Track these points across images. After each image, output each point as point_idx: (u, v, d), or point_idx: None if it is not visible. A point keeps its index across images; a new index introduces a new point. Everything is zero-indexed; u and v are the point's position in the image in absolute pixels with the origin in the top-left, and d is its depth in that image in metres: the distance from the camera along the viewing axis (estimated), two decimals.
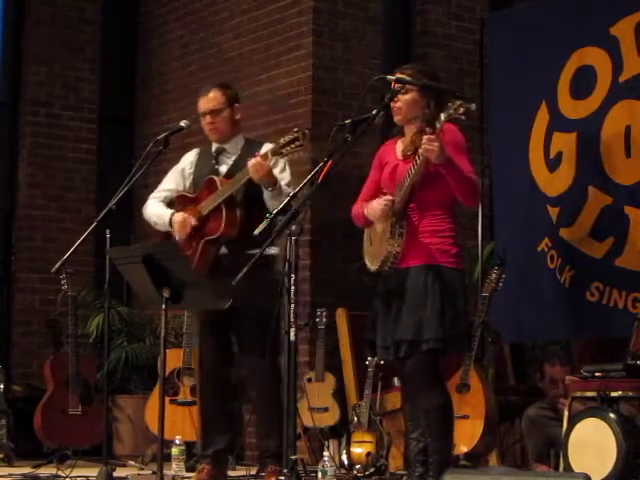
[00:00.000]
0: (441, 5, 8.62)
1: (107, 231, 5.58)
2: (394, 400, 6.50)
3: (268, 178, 5.27)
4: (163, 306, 4.97)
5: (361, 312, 6.58)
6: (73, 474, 5.97)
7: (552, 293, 6.20)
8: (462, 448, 6.03)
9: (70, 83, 9.02)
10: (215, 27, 8.70)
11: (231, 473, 6.12)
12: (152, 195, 5.74)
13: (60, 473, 6.10)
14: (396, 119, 4.96)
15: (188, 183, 5.71)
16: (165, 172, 5.88)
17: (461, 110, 4.52)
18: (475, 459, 6.15)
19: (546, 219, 6.27)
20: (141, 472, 6.70)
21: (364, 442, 6.43)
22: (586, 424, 5.15)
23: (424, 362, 4.78)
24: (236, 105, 5.64)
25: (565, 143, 6.20)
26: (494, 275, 6.21)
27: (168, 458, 5.79)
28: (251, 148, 5.54)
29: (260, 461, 5.64)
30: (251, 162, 5.24)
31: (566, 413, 5.49)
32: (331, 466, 4.93)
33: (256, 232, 4.68)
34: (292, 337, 4.45)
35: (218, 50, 8.65)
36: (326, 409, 7.14)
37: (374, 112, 4.80)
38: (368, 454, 6.37)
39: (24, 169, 8.91)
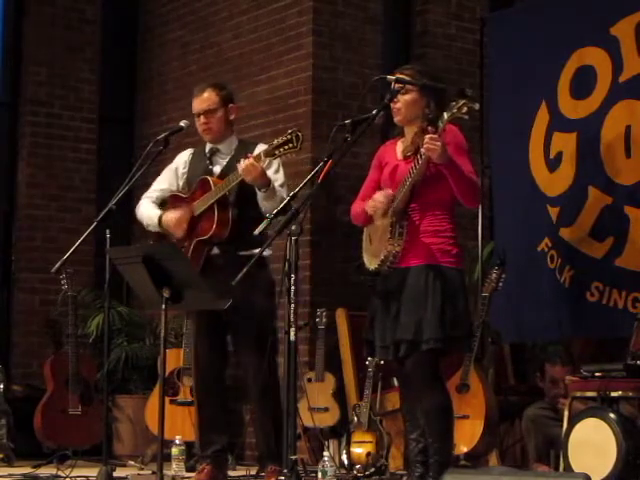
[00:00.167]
0: (441, 5, 8.61)
1: (107, 231, 5.59)
2: (394, 400, 6.49)
3: (261, 179, 5.26)
4: (163, 306, 4.97)
5: (361, 312, 6.56)
6: (73, 474, 5.98)
7: (552, 293, 6.20)
8: (462, 448, 6.03)
9: (70, 83, 9.01)
10: (215, 27, 8.70)
11: (231, 473, 6.12)
12: (145, 195, 5.73)
13: (60, 473, 6.10)
14: (396, 119, 4.96)
15: (181, 183, 5.71)
16: None
17: (464, 109, 4.51)
18: (475, 459, 6.15)
19: (546, 219, 6.27)
20: (141, 472, 6.70)
21: (364, 442, 6.43)
22: (586, 424, 5.15)
23: (424, 362, 4.78)
24: (230, 105, 5.63)
25: (565, 143, 6.20)
26: (494, 275, 6.20)
27: (168, 458, 5.79)
28: (245, 149, 5.53)
29: (260, 461, 5.65)
30: (243, 164, 5.22)
31: (566, 413, 5.50)
32: (331, 466, 4.92)
33: (256, 232, 4.70)
34: (292, 337, 4.45)
35: (218, 50, 8.65)
36: (326, 409, 7.14)
37: (374, 112, 4.80)
38: (368, 454, 6.37)
39: (24, 169, 8.90)
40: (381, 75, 5.14)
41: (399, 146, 4.99)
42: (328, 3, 7.97)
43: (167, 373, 7.06)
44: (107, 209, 5.37)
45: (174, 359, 7.28)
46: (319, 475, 4.87)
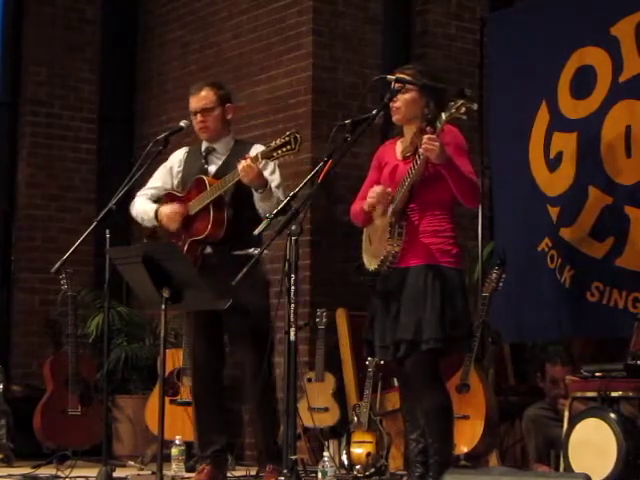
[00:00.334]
0: (441, 5, 8.61)
1: (107, 231, 5.58)
2: (394, 400, 6.49)
3: (258, 180, 5.25)
4: (163, 306, 4.97)
5: (361, 312, 6.56)
6: (73, 474, 5.97)
7: (552, 293, 6.20)
8: (462, 448, 6.02)
9: (70, 83, 9.01)
10: (215, 27, 8.70)
11: (231, 473, 6.12)
12: (139, 193, 5.72)
13: (60, 473, 6.10)
14: (395, 119, 4.96)
15: (176, 181, 5.70)
16: None
17: (463, 109, 4.51)
18: (475, 459, 6.15)
19: (546, 219, 6.26)
20: (141, 472, 6.69)
21: (364, 442, 6.43)
22: (586, 424, 5.14)
23: (424, 362, 4.78)
24: (228, 105, 5.62)
25: (565, 143, 6.20)
26: (494, 275, 6.20)
27: (168, 458, 5.79)
28: (241, 149, 5.52)
29: (258, 460, 5.65)
30: (241, 165, 5.21)
31: (566, 413, 5.49)
32: (331, 466, 4.93)
33: (256, 232, 4.70)
34: (292, 337, 4.44)
35: (218, 50, 8.65)
36: (326, 409, 7.14)
37: (374, 112, 4.80)
38: (368, 454, 6.37)
39: (24, 169, 8.90)
40: (381, 75, 5.13)
41: (398, 146, 4.99)
42: (328, 3, 7.96)
43: (167, 373, 7.06)
44: (107, 209, 5.37)
45: (174, 359, 7.28)
46: (319, 475, 4.87)
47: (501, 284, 6.19)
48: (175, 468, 5.84)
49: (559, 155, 6.23)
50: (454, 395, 5.87)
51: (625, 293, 5.82)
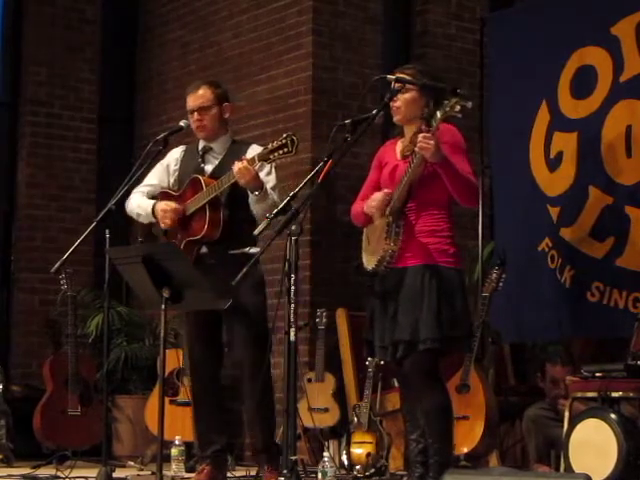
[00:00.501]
0: (441, 5, 8.61)
1: (107, 231, 5.58)
2: (394, 400, 6.49)
3: (254, 182, 5.23)
4: (163, 306, 4.96)
5: (361, 312, 6.56)
6: (72, 475, 5.97)
7: (552, 293, 6.19)
8: (462, 449, 6.02)
9: (70, 83, 9.01)
10: (215, 27, 8.69)
11: (232, 473, 6.12)
12: (135, 190, 5.69)
13: (59, 474, 6.10)
14: (395, 119, 4.95)
15: (172, 180, 5.68)
16: None
17: (457, 108, 4.50)
18: (475, 460, 6.15)
19: (546, 219, 6.26)
20: (141, 473, 6.69)
21: (364, 443, 6.43)
22: (587, 424, 5.14)
23: (422, 362, 4.77)
24: (225, 104, 5.61)
25: (566, 143, 6.19)
26: (494, 275, 6.20)
27: (168, 459, 5.79)
28: (238, 149, 5.51)
29: (256, 460, 5.65)
30: (237, 166, 5.20)
31: (567, 413, 5.49)
32: (331, 467, 4.93)
33: (256, 232, 4.69)
34: (292, 337, 4.44)
35: (218, 50, 8.65)
36: (326, 409, 7.13)
37: (374, 112, 4.79)
38: (368, 455, 6.37)
39: (24, 169, 8.90)
40: (381, 75, 5.13)
41: (399, 146, 4.99)
42: (328, 3, 7.96)
43: (167, 373, 7.06)
44: (107, 209, 5.36)
45: (174, 359, 7.27)
46: (319, 476, 4.87)
47: (501, 284, 6.19)
48: (175, 468, 5.84)
49: (559, 155, 6.23)
50: (454, 395, 5.86)
51: (625, 293, 5.82)
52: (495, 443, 6.35)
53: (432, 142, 4.57)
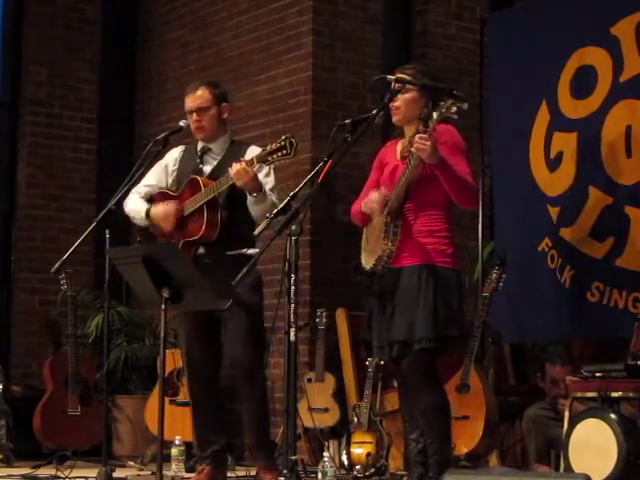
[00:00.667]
0: (441, 5, 8.61)
1: (107, 231, 5.58)
2: (394, 400, 6.48)
3: (252, 184, 5.23)
4: (163, 306, 4.96)
5: (361, 312, 6.56)
6: (72, 475, 5.97)
7: (552, 293, 6.19)
8: (462, 449, 6.02)
9: (70, 83, 9.01)
10: (214, 27, 8.70)
11: (234, 473, 6.12)
12: (133, 190, 5.68)
13: (59, 474, 6.09)
14: (395, 119, 4.95)
15: (171, 180, 5.68)
16: None
17: (453, 109, 4.51)
18: (475, 460, 6.14)
19: (546, 219, 6.26)
20: (141, 473, 6.69)
21: (364, 443, 6.42)
22: (587, 424, 5.14)
23: (418, 362, 4.77)
24: (224, 104, 5.60)
25: (565, 143, 6.19)
26: (494, 275, 6.19)
27: (168, 459, 5.79)
28: (237, 149, 5.51)
29: (251, 457, 5.66)
30: (235, 168, 5.19)
31: (567, 413, 5.49)
32: (331, 467, 4.93)
33: (256, 232, 4.70)
34: (292, 337, 4.44)
35: (217, 50, 8.65)
36: (326, 409, 7.13)
37: (374, 112, 4.79)
38: (368, 455, 6.37)
39: (24, 169, 8.90)
40: (381, 75, 5.12)
41: (399, 146, 4.99)
42: (328, 3, 7.97)
43: (167, 373, 7.06)
44: (107, 209, 5.36)
45: (174, 359, 7.27)
46: (319, 475, 4.87)
47: (501, 284, 6.19)
48: (175, 468, 5.84)
49: (559, 155, 6.23)
50: (454, 395, 5.87)
51: (625, 293, 5.82)
52: (495, 443, 6.35)
53: (429, 143, 4.57)
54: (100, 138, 9.16)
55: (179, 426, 6.95)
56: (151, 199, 5.63)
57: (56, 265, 5.46)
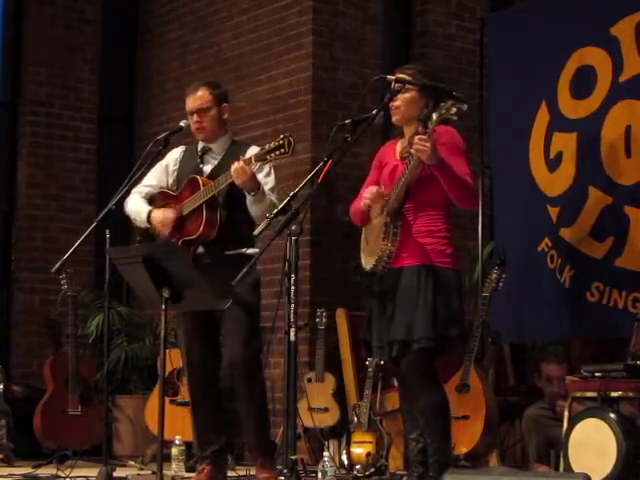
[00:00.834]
0: (441, 5, 8.61)
1: (107, 231, 5.58)
2: (394, 400, 6.49)
3: (250, 183, 5.23)
4: (163, 306, 4.97)
5: (361, 312, 6.56)
6: (73, 474, 5.98)
7: (552, 293, 6.20)
8: (462, 448, 6.02)
9: (70, 83, 9.02)
10: (214, 27, 8.70)
11: (236, 473, 6.13)
12: (134, 190, 5.69)
13: (60, 473, 6.10)
14: (394, 119, 4.95)
15: (171, 180, 5.68)
16: None
17: (453, 110, 4.51)
18: (475, 459, 6.15)
19: (546, 219, 6.26)
20: (141, 472, 6.69)
21: (364, 442, 6.43)
22: (586, 424, 5.14)
23: (417, 362, 4.77)
24: (224, 104, 5.60)
25: (565, 143, 6.20)
26: (494, 275, 6.19)
27: (168, 458, 5.78)
28: (237, 149, 5.51)
29: (250, 456, 5.67)
30: (233, 167, 5.20)
31: (566, 413, 5.49)
32: (331, 466, 4.92)
33: (256, 232, 4.70)
34: (292, 337, 4.44)
35: (217, 50, 8.65)
36: (326, 409, 7.14)
37: (374, 112, 4.80)
38: (368, 454, 6.37)
39: (24, 169, 8.90)
40: (381, 75, 5.13)
41: (399, 146, 4.99)
42: (328, 3, 7.97)
43: (167, 373, 7.06)
44: (107, 209, 5.37)
45: (174, 359, 7.27)
46: (319, 475, 4.87)
47: (501, 284, 6.19)
48: (175, 468, 5.84)
49: (559, 155, 6.23)
50: (454, 395, 5.88)
51: (625, 293, 5.82)
52: (495, 443, 6.35)
53: (428, 144, 4.57)
54: (100, 138, 9.17)
55: (179, 426, 6.95)
56: (151, 199, 5.64)
57: (56, 265, 5.46)
